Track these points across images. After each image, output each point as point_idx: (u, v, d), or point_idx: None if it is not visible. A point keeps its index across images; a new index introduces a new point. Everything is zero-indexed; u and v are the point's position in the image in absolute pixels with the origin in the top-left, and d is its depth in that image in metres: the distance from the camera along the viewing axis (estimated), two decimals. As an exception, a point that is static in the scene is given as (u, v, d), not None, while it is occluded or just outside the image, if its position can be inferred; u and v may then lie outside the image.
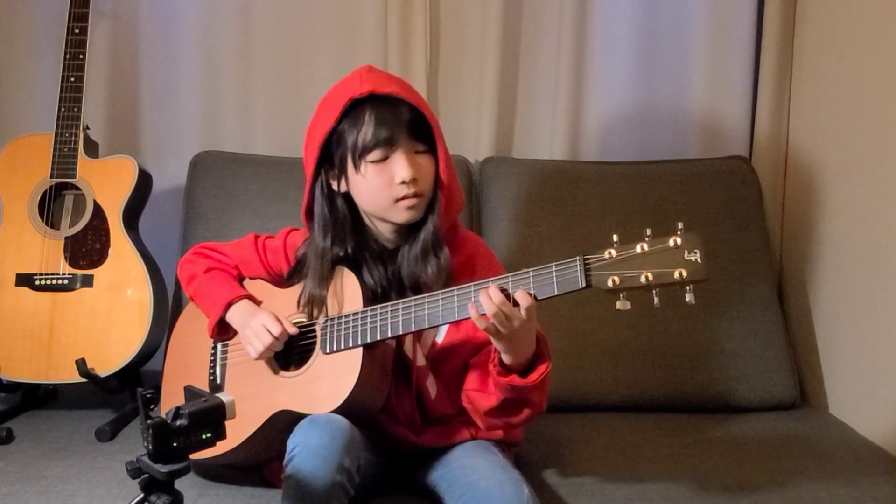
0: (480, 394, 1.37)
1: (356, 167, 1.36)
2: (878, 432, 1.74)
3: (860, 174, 1.87)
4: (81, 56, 1.91)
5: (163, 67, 2.22)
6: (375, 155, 1.35)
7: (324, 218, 1.43)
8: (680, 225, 1.12)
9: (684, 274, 1.10)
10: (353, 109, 1.35)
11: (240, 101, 2.21)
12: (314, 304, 1.42)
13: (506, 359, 1.28)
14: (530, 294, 1.20)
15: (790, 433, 1.78)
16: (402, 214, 1.38)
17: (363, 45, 2.19)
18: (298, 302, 1.44)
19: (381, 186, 1.36)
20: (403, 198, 1.36)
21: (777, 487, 1.49)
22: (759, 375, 1.90)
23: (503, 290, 1.21)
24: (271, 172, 2.04)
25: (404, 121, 1.35)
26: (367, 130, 1.33)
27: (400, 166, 1.34)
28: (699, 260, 1.10)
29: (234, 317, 1.47)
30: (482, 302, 1.21)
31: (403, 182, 1.34)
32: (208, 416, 1.09)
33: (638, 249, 1.13)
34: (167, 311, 1.91)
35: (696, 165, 2.10)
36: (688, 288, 1.11)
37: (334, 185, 1.42)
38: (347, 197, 1.42)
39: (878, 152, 1.80)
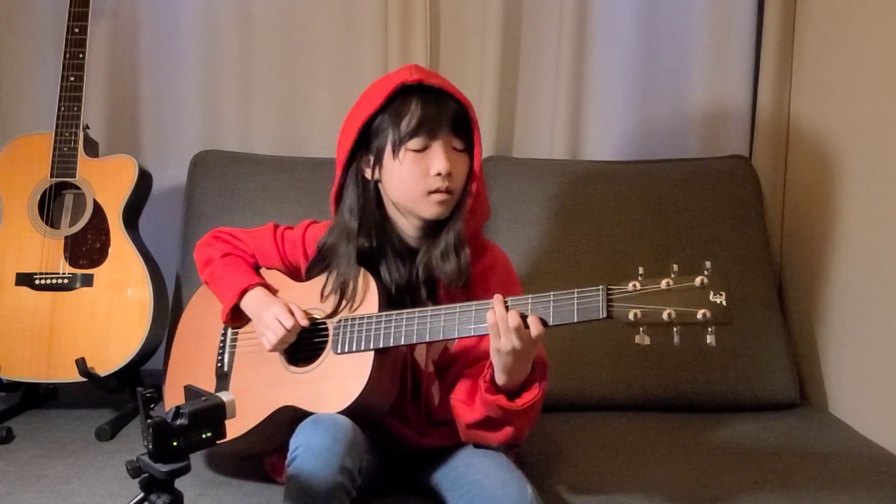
0: (465, 406, 1.37)
1: (395, 153, 1.36)
2: (878, 432, 1.74)
3: (860, 174, 1.87)
4: (81, 55, 1.91)
5: (163, 67, 2.22)
6: (416, 143, 1.35)
7: (355, 204, 1.43)
8: (708, 264, 1.10)
9: (708, 315, 1.08)
10: (399, 97, 1.36)
11: (240, 100, 2.21)
12: (342, 288, 1.40)
13: (499, 378, 1.28)
14: (542, 321, 1.20)
15: (790, 433, 1.78)
16: (431, 208, 1.38)
17: (363, 44, 2.19)
18: (322, 291, 1.42)
19: (417, 176, 1.36)
20: (436, 191, 1.36)
21: (777, 487, 1.48)
22: (759, 375, 1.90)
23: (521, 315, 1.21)
24: (272, 172, 2.04)
25: (449, 115, 1.36)
26: (412, 117, 1.34)
27: (437, 158, 1.35)
28: (724, 303, 1.08)
29: (249, 305, 1.47)
30: (497, 314, 1.22)
31: (438, 174, 1.35)
32: (209, 416, 1.10)
33: (663, 285, 1.11)
34: (167, 310, 1.91)
35: (696, 165, 2.10)
36: (709, 329, 1.09)
37: (367, 174, 1.42)
38: (376, 190, 1.43)
39: (879, 152, 1.80)
